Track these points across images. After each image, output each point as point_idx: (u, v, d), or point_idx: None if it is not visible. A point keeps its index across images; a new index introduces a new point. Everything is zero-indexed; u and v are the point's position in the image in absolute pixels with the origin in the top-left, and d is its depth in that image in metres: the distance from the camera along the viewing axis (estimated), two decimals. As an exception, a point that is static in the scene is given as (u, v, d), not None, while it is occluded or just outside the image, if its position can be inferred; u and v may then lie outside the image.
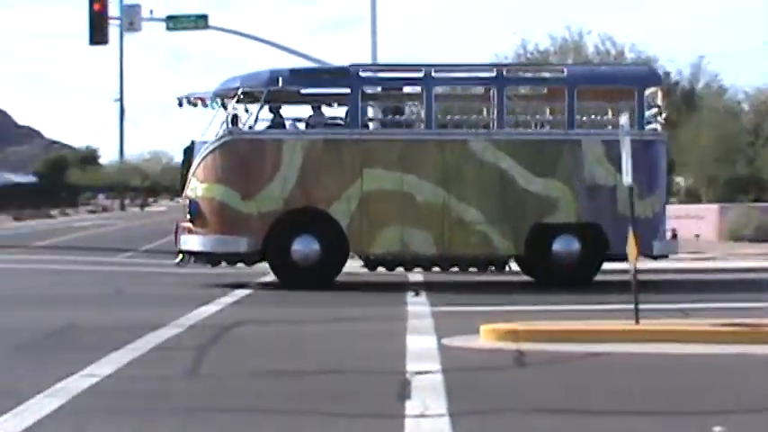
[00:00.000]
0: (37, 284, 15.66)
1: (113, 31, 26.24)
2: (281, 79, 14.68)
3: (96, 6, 25.09)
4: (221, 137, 14.66)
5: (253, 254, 14.34)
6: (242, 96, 14.74)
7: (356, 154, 14.52)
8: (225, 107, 14.74)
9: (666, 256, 15.22)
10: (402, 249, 14.44)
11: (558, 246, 14.26)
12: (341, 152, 14.58)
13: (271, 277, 15.37)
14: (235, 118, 14.73)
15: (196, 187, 14.59)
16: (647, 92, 14.96)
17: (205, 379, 7.52)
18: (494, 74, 15.39)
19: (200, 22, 24.31)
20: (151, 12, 25.43)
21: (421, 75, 15.01)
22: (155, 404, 6.51)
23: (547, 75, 16.82)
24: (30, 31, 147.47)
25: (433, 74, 14.96)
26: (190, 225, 14.55)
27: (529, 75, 17.21)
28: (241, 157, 14.61)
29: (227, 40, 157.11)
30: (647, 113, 14.87)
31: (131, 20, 25.41)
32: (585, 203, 14.37)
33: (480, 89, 16.04)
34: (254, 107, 14.93)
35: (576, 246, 14.27)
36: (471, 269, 14.76)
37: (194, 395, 6.82)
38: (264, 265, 14.78)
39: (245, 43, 63.05)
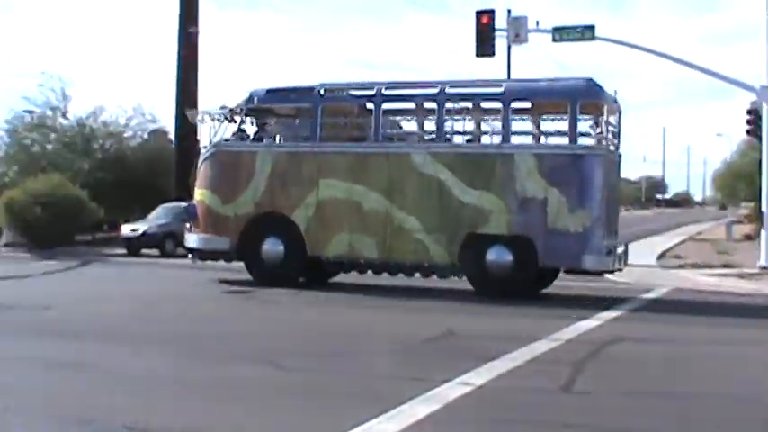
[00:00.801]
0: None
1: (499, 42, 27.60)
2: (256, 99, 16.85)
3: (484, 19, 26.63)
4: (208, 149, 17.21)
5: (232, 252, 16.40)
6: (228, 114, 16.98)
7: (314, 165, 16.19)
8: (227, 121, 17.05)
9: (606, 272, 16.10)
10: (350, 253, 15.83)
11: (491, 256, 15.00)
12: (301, 164, 16.33)
13: (655, 293, 15.66)
14: (240, 131, 17.02)
15: (195, 192, 17.39)
16: (582, 105, 15.06)
17: (579, 395, 7.60)
18: (436, 90, 16.06)
19: (586, 33, 24.52)
20: (537, 23, 26.22)
21: (372, 92, 16.34)
22: (527, 416, 6.69)
23: (485, 90, 16.48)
24: (416, 43, 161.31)
25: (382, 91, 16.22)
26: (190, 225, 17.50)
27: (467, 90, 16.55)
28: (223, 167, 16.87)
29: (613, 51, 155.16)
30: (585, 127, 15.48)
31: (518, 32, 26.37)
32: (516, 216, 14.91)
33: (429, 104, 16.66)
34: (241, 122, 17.20)
35: (508, 257, 14.95)
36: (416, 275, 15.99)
37: (567, 410, 6.92)
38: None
39: (632, 54, 62.07)
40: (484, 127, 16.82)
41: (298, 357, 9.29)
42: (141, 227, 27.14)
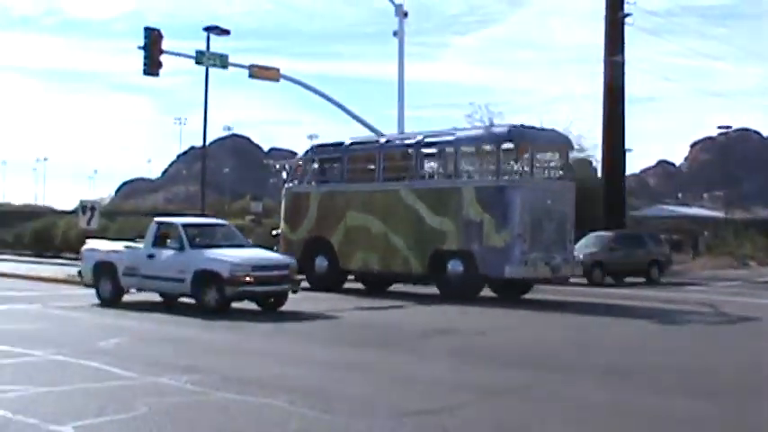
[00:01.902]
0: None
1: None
2: (310, 152, 24.68)
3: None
4: (284, 191, 24.69)
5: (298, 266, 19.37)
6: (294, 164, 25.23)
7: (343, 201, 22.81)
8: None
9: (521, 279, 20.86)
10: (363, 267, 22.55)
11: (449, 267, 20.76)
12: (336, 200, 23.02)
13: None
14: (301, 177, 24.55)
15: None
16: (504, 147, 21.07)
17: None
18: (414, 140, 22.63)
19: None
20: None
21: (376, 144, 23.70)
22: None
23: (444, 139, 22.25)
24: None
25: (381, 142, 23.76)
26: (277, 248, 23.43)
27: (434, 139, 22.39)
28: (292, 204, 24.19)
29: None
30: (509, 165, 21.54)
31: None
32: (464, 235, 20.56)
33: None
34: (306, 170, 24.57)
35: (460, 268, 20.62)
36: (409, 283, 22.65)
37: None
38: None
39: None
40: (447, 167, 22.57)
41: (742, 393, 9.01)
42: None
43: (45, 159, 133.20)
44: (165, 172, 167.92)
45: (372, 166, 23.05)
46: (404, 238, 21.64)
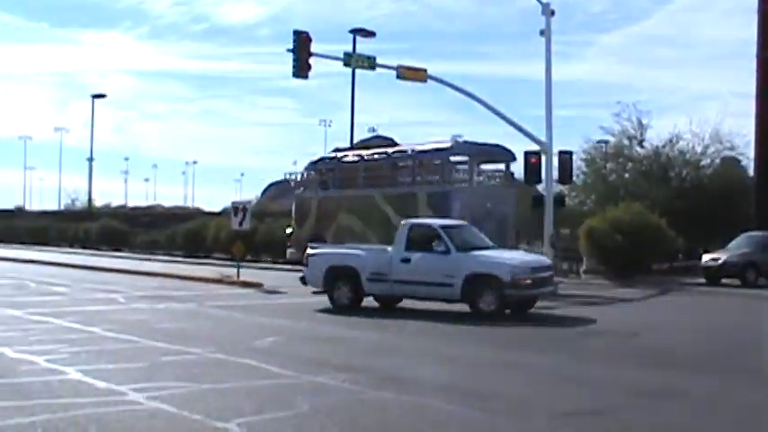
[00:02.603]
0: None
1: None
2: (318, 163, 30.13)
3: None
4: (294, 197, 30.45)
5: (300, 260, 22.09)
6: (301, 174, 30.77)
7: (335, 205, 27.82)
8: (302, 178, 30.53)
9: None
10: None
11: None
12: (330, 204, 28.11)
13: None
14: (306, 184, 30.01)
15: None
16: (453, 159, 26.39)
17: None
18: (385, 155, 28.46)
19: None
20: None
21: (357, 159, 28.87)
22: None
23: (405, 153, 28.28)
24: None
25: (365, 156, 28.78)
26: (289, 244, 29.50)
27: (399, 154, 28.64)
28: (300, 207, 29.43)
29: None
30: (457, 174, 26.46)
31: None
32: None
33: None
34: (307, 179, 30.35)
35: None
36: None
37: None
38: None
39: None
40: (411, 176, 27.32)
41: None
42: (721, 256, 27.37)
43: (194, 163, 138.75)
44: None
45: (356, 176, 28.66)
46: (376, 235, 25.27)
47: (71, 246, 55.84)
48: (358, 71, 37.02)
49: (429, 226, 18.27)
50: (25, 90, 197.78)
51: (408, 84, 29.57)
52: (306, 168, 31.01)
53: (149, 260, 40.58)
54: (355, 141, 46.33)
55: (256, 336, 13.45)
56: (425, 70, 28.92)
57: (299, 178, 31.32)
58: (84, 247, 53.59)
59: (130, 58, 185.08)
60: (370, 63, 28.96)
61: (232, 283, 25.69)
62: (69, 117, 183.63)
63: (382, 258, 18.14)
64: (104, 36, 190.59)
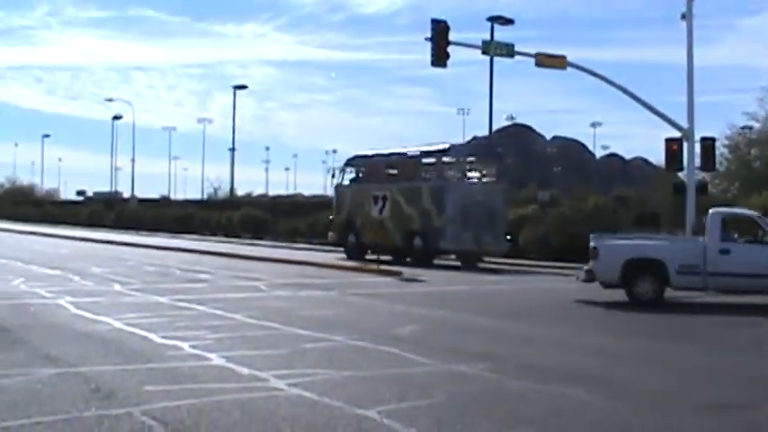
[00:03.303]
0: None
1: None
2: (352, 161, 35.92)
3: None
4: (334, 188, 36.41)
5: (337, 242, 34.04)
6: (340, 169, 36.76)
7: (364, 196, 31.71)
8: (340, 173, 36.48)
9: (449, 251, 31.42)
10: (372, 241, 32.08)
11: (415, 242, 31.00)
12: (360, 195, 32.85)
13: None
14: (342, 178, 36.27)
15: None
16: (445, 159, 32.42)
17: None
18: (399, 155, 34.24)
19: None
20: None
21: (382, 157, 34.91)
22: None
23: (411, 154, 33.66)
24: None
25: (385, 155, 35.02)
26: (331, 227, 35.79)
27: (408, 155, 33.82)
28: (338, 197, 35.29)
29: None
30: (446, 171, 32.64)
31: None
32: (422, 220, 30.93)
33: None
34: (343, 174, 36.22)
35: (420, 242, 30.87)
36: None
37: None
38: None
39: None
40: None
41: None
42: None
43: (334, 152, 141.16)
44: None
45: (379, 172, 34.25)
46: (392, 222, 30.75)
47: (214, 234, 57.85)
48: (496, 59, 36.77)
49: (746, 215, 17.75)
50: (169, 82, 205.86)
51: (547, 71, 29.22)
52: (344, 164, 36.98)
53: (290, 248, 41.64)
54: (494, 129, 46.40)
55: (396, 324, 13.61)
56: (564, 57, 28.51)
57: (335, 171, 37.64)
58: (227, 236, 55.43)
59: (270, 49, 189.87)
60: (509, 51, 28.76)
61: (372, 272, 26.06)
62: (212, 108, 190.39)
63: (694, 249, 17.59)
64: (244, 28, 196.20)
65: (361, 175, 35.44)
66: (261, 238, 50.99)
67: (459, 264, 31.34)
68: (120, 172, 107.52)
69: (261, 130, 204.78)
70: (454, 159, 32.18)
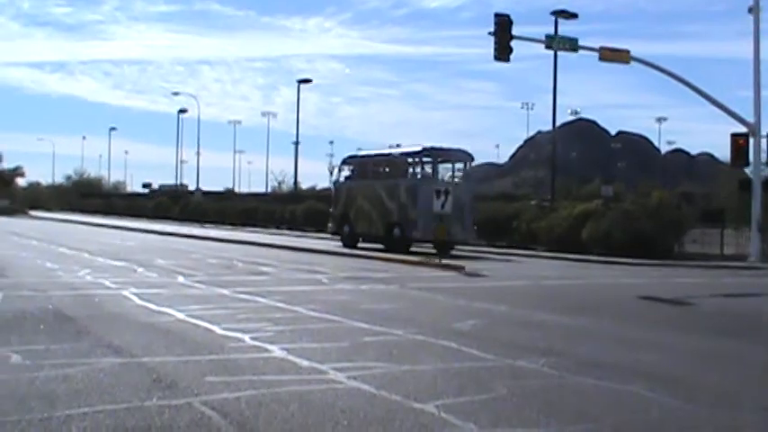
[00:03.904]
0: None
1: None
2: (347, 160, 40.63)
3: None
4: (333, 184, 43.34)
5: (335, 232, 38.72)
6: (338, 167, 42.52)
7: (356, 192, 37.74)
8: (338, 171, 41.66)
9: (421, 240, 34.41)
10: (363, 231, 36.80)
11: (394, 232, 35.02)
12: (353, 191, 37.99)
13: None
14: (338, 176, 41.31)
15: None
16: (416, 160, 36.46)
17: None
18: (383, 156, 39.76)
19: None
20: None
21: (370, 157, 40.17)
22: None
23: (394, 155, 38.76)
24: None
25: (369, 155, 40.83)
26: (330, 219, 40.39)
27: (391, 156, 39.17)
28: (336, 193, 39.96)
29: None
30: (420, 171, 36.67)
31: None
32: (399, 213, 35.08)
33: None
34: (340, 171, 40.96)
35: (398, 232, 34.80)
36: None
37: None
38: None
39: None
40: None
41: None
42: None
43: (398, 146, 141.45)
44: (512, 156, 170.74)
45: (368, 171, 38.59)
46: (376, 214, 35.88)
47: (277, 227, 58.36)
48: (560, 53, 36.36)
49: None
50: (235, 76, 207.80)
51: (612, 65, 28.82)
52: (340, 164, 41.51)
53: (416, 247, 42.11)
54: (558, 124, 45.94)
55: (457, 318, 13.54)
56: (628, 51, 28.10)
57: (333, 169, 43.51)
58: (290, 229, 55.86)
59: (335, 44, 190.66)
60: (572, 45, 28.46)
61: (434, 266, 26.00)
62: (276, 102, 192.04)
63: None
64: (309, 22, 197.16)
65: (353, 173, 39.65)
66: (324, 232, 51.11)
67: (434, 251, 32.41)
68: (185, 165, 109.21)
69: (325, 124, 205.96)
70: (430, 159, 36.26)
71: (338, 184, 40.36)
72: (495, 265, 28.42)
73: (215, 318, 12.74)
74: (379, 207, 35.74)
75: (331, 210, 40.38)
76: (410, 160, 36.79)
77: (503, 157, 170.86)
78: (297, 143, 70.13)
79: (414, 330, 11.95)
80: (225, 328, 11.70)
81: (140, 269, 21.90)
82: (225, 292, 16.87)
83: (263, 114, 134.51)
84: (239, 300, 15.59)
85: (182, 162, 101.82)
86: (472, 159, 36.91)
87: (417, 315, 14.12)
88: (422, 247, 34.55)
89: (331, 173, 45.03)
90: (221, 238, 42.85)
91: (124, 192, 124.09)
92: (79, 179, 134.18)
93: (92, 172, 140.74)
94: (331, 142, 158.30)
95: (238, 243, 39.15)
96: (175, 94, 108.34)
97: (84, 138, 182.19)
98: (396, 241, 34.57)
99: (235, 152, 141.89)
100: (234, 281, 19.45)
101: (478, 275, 23.42)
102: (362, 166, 39.30)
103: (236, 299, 15.73)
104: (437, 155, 36.03)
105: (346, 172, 40.11)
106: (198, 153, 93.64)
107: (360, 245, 36.50)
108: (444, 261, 26.25)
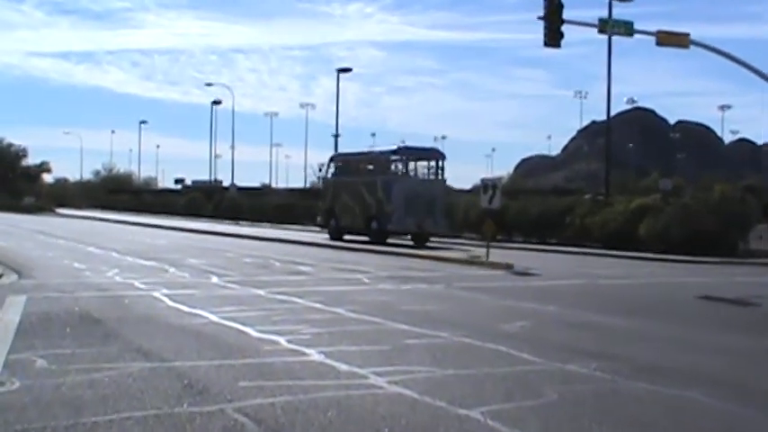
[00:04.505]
0: None
1: None
2: (334, 157, 45.32)
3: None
4: (321, 180, 49.29)
5: (323, 225, 42.80)
6: (326, 165, 46.01)
7: (341, 188, 41.55)
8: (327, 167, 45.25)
9: (396, 232, 38.41)
10: (347, 224, 40.53)
11: (372, 225, 38.45)
12: (338, 187, 41.79)
13: None
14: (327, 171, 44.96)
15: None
16: (393, 158, 40.92)
17: None
18: (363, 155, 44.24)
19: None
20: None
21: (353, 156, 45.16)
22: None
23: (370, 154, 43.60)
24: None
25: (346, 155, 46.35)
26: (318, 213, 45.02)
27: (369, 155, 43.88)
28: (324, 189, 44.38)
29: None
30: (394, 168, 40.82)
31: None
32: (377, 207, 38.40)
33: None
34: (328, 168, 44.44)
35: (376, 225, 38.27)
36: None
37: None
38: None
39: None
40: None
41: None
42: None
43: (443, 138, 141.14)
44: (564, 148, 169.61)
45: (350, 169, 42.65)
46: (359, 208, 39.37)
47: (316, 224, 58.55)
48: (615, 38, 36.03)
49: None
50: (271, 66, 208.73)
51: (670, 50, 28.46)
52: (329, 160, 44.96)
53: (398, 238, 42.08)
54: (613, 114, 45.62)
55: (504, 320, 13.51)
56: (688, 35, 27.75)
57: (323, 168, 47.56)
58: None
59: (376, 30, 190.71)
60: (627, 29, 28.15)
61: (481, 264, 25.91)
62: (315, 92, 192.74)
63: None
64: (349, 8, 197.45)
65: (339, 170, 43.36)
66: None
67: (412, 242, 38.35)
68: (219, 160, 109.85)
69: (366, 115, 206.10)
70: (403, 158, 40.66)
71: (326, 180, 44.32)
72: (545, 262, 28.26)
73: (249, 320, 12.81)
74: (361, 202, 39.50)
75: (320, 204, 44.51)
76: (389, 158, 41.15)
77: (555, 148, 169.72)
78: (336, 136, 70.31)
79: (459, 333, 11.94)
80: (260, 331, 11.75)
81: (172, 269, 22.10)
82: (260, 292, 16.95)
83: (302, 106, 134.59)
84: (275, 301, 15.67)
85: (216, 156, 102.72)
86: (444, 158, 40.51)
87: (463, 316, 14.10)
88: (401, 239, 39.23)
89: (320, 170, 51.17)
90: (257, 235, 43.14)
91: (155, 188, 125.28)
92: (108, 175, 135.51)
93: (121, 167, 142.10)
94: (373, 134, 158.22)
95: (275, 241, 39.48)
96: (209, 85, 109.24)
97: (113, 132, 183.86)
98: (374, 233, 38.37)
99: (271, 146, 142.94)
100: (270, 281, 19.55)
101: (527, 274, 23.32)
102: (347, 163, 43.58)
103: (272, 300, 15.81)
104: (410, 154, 41.03)
105: (333, 169, 43.71)
106: (233, 147, 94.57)
107: (369, 241, 37.79)
108: (491, 260, 26.11)
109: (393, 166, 40.97)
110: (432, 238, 38.68)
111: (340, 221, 40.94)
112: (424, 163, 40.57)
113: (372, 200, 38.82)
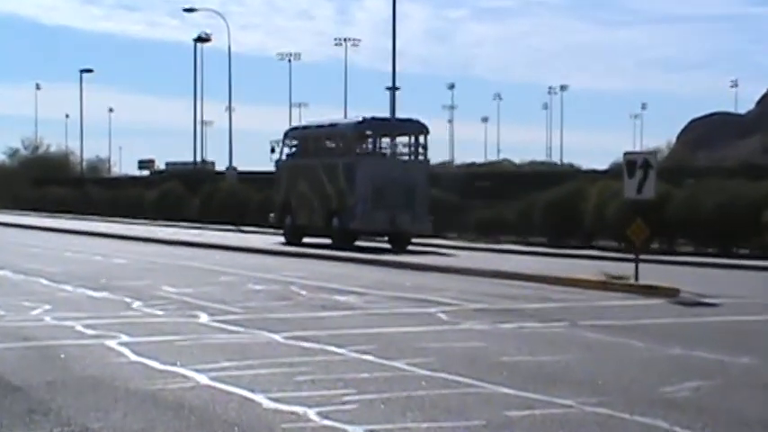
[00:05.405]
0: None
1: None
2: (289, 132, 52.97)
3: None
4: (275, 164, 52.17)
5: (276, 224, 50.03)
6: (279, 143, 52.45)
7: (296, 173, 48.70)
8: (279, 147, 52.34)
9: (362, 232, 44.71)
10: (304, 222, 47.19)
11: (333, 222, 44.50)
12: (293, 172, 49.12)
13: None
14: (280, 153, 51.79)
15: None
16: (354, 134, 46.73)
17: None
18: (323, 127, 50.33)
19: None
20: None
21: (309, 131, 51.57)
22: None
23: (329, 127, 49.41)
24: None
25: (312, 128, 52.13)
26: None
27: (328, 128, 49.50)
28: (277, 174, 51.48)
29: None
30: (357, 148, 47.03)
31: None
32: (338, 199, 44.28)
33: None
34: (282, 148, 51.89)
35: (337, 222, 44.22)
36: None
37: None
38: None
39: None
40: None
41: None
42: None
43: (562, 89, 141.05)
44: (759, 102, 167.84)
45: (308, 147, 48.08)
46: (318, 201, 44.10)
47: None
48: None
49: None
50: None
51: None
52: (283, 136, 50.14)
53: (490, 250, 42.14)
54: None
55: (667, 379, 13.51)
56: None
57: (275, 145, 51.74)
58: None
59: None
60: None
61: (625, 289, 25.79)
62: (356, 22, 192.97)
63: None
64: None
65: (297, 149, 49.24)
66: (443, 233, 50.76)
67: (389, 246, 42.93)
68: (209, 128, 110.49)
69: (440, 55, 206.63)
70: (371, 132, 45.71)
71: (280, 163, 49.67)
72: (730, 285, 28.05)
73: (259, 381, 12.91)
74: (320, 192, 44.59)
75: (274, 196, 50.26)
76: (354, 133, 45.73)
77: (744, 102, 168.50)
78: (393, 89, 70.19)
79: (594, 399, 11.96)
80: (275, 399, 11.83)
81: (136, 303, 22.34)
82: (276, 337, 17.11)
83: (336, 43, 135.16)
84: (299, 349, 15.83)
85: (203, 124, 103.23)
86: (427, 132, 44.96)
87: (599, 373, 14.09)
88: (375, 240, 44.21)
89: (272, 150, 53.10)
90: (271, 249, 43.47)
91: (108, 175, 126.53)
92: (32, 156, 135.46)
93: (52, 144, 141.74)
94: (451, 86, 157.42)
95: (298, 257, 39.61)
96: (189, 10, 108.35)
97: (37, 87, 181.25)
98: (336, 234, 43.42)
99: (291, 106, 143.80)
100: (291, 318, 19.76)
101: (703, 304, 23.21)
102: (305, 140, 48.98)
103: (294, 349, 15.97)
104: (381, 127, 45.56)
105: (289, 148, 49.32)
106: (229, 109, 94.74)
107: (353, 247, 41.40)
108: (643, 281, 25.92)
109: (360, 144, 45.94)
110: (534, 247, 40.22)
111: (297, 219, 46.35)
112: (403, 139, 45.32)
113: (332, 189, 43.77)
